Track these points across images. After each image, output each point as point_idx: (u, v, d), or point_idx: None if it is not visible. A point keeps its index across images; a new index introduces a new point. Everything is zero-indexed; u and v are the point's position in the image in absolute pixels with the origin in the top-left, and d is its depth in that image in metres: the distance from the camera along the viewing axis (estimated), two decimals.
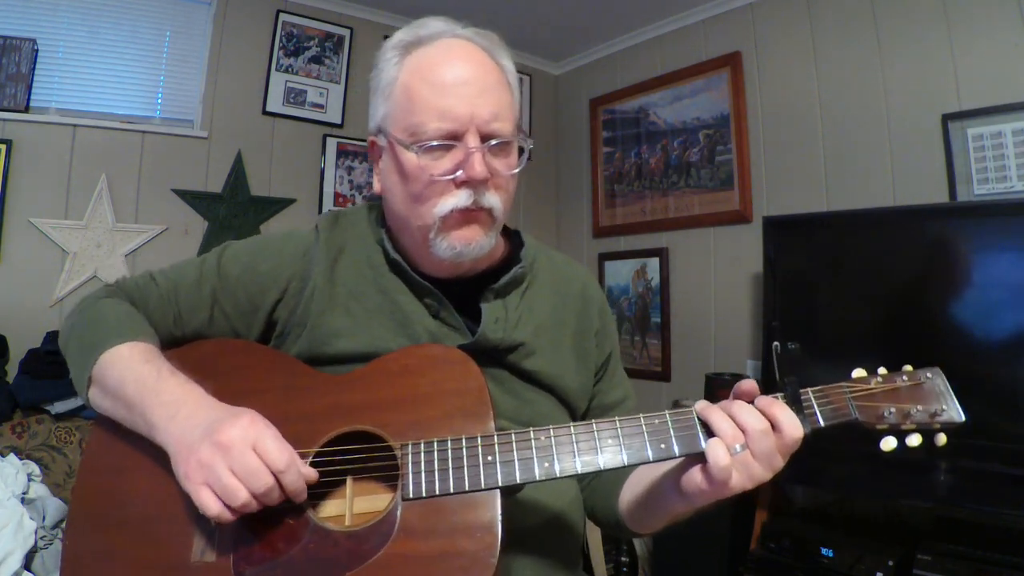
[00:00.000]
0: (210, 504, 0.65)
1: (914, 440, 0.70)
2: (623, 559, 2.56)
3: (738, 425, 0.66)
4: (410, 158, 0.80)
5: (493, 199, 0.82)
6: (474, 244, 0.82)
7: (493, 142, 0.80)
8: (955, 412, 0.70)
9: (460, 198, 0.80)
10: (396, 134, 0.82)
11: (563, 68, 3.70)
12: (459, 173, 0.79)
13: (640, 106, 3.20)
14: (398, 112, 0.83)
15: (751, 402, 0.68)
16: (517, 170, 0.85)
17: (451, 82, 0.79)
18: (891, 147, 2.28)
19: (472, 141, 0.78)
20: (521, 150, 0.86)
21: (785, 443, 0.66)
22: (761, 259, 2.35)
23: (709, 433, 0.67)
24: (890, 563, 1.72)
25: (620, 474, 0.87)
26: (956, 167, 2.10)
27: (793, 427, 0.66)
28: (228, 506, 0.65)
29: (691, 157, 2.94)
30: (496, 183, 0.82)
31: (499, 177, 0.82)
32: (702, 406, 0.69)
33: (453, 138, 0.79)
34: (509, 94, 0.85)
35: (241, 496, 0.65)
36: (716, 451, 0.64)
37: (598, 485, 0.93)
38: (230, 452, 0.65)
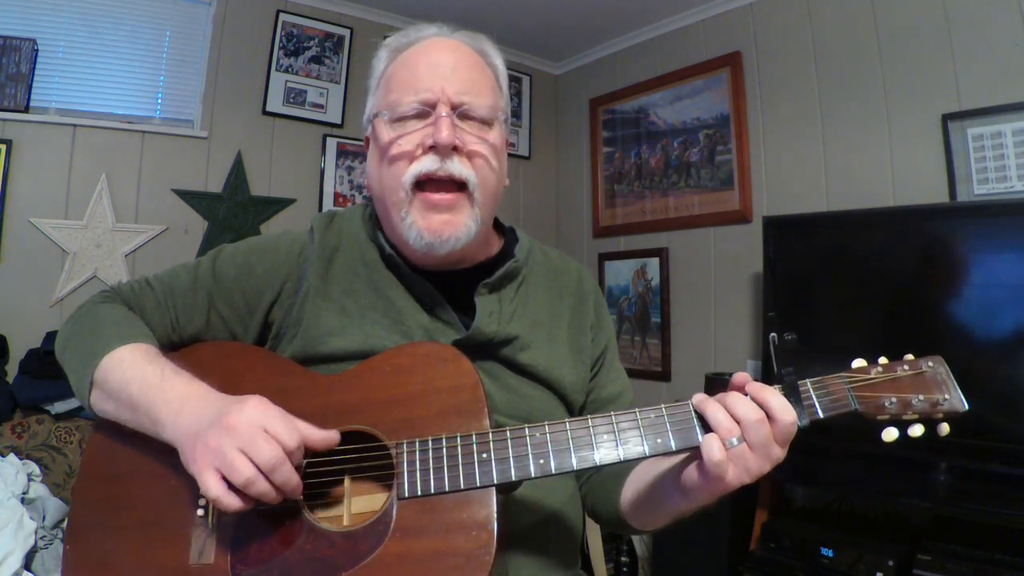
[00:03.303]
0: (212, 484, 0.64)
1: (916, 430, 0.68)
2: (623, 559, 2.56)
3: (733, 417, 0.64)
4: (385, 129, 0.83)
5: (465, 170, 0.82)
6: (447, 235, 0.82)
7: (464, 108, 0.82)
8: (958, 401, 0.67)
9: (424, 163, 0.80)
10: (376, 111, 0.86)
11: (563, 68, 3.70)
12: (427, 139, 0.80)
13: (640, 106, 3.20)
14: (380, 97, 0.87)
15: (744, 392, 0.67)
16: (490, 141, 0.85)
17: (426, 64, 0.83)
18: (891, 147, 2.28)
19: (442, 109, 0.81)
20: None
21: (779, 430, 0.64)
22: (761, 259, 2.35)
23: (706, 426, 0.66)
24: (890, 563, 1.72)
25: (621, 470, 0.87)
26: (956, 167, 2.10)
27: (784, 411, 0.64)
28: (232, 485, 0.64)
29: (691, 157, 2.94)
30: (470, 154, 0.83)
31: (472, 146, 0.83)
32: (699, 399, 0.67)
33: (426, 105, 0.82)
34: (488, 78, 0.87)
35: (246, 471, 0.63)
36: (710, 445, 0.63)
37: (598, 482, 0.93)
38: (237, 432, 0.65)
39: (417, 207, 0.82)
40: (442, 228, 0.81)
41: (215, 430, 0.66)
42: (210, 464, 0.65)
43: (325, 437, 0.70)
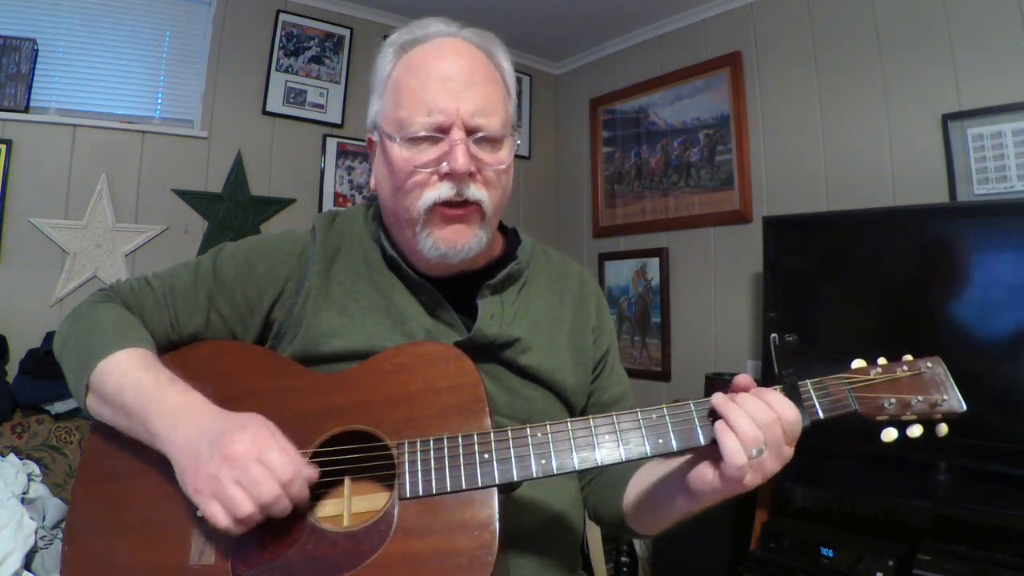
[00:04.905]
0: (220, 517, 0.66)
1: (915, 431, 0.69)
2: (623, 559, 2.56)
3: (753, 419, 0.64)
4: (397, 150, 0.81)
5: (480, 192, 0.81)
6: (460, 245, 0.82)
7: (480, 134, 0.80)
8: (956, 402, 0.68)
9: (442, 190, 0.79)
10: (386, 127, 0.84)
11: (563, 68, 3.70)
12: (443, 165, 0.79)
13: (640, 106, 3.20)
14: (389, 107, 0.84)
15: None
16: (504, 165, 0.84)
17: (437, 76, 0.80)
18: (891, 147, 2.28)
19: (457, 134, 0.79)
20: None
21: (786, 430, 0.65)
22: (761, 259, 2.35)
23: (708, 424, 0.66)
24: (890, 563, 1.72)
25: (623, 473, 0.87)
26: (956, 167, 2.10)
27: (787, 410, 0.65)
28: (235, 518, 0.66)
29: (691, 157, 2.94)
30: (484, 177, 0.82)
31: (486, 171, 0.82)
32: (720, 400, 0.66)
33: (439, 131, 0.79)
34: (500, 90, 0.85)
35: (245, 508, 0.65)
36: (733, 451, 0.63)
37: (600, 484, 0.93)
38: (235, 464, 0.66)
39: (433, 222, 0.81)
40: (456, 238, 0.81)
41: (215, 458, 0.67)
42: (212, 495, 0.66)
43: (309, 473, 0.69)
